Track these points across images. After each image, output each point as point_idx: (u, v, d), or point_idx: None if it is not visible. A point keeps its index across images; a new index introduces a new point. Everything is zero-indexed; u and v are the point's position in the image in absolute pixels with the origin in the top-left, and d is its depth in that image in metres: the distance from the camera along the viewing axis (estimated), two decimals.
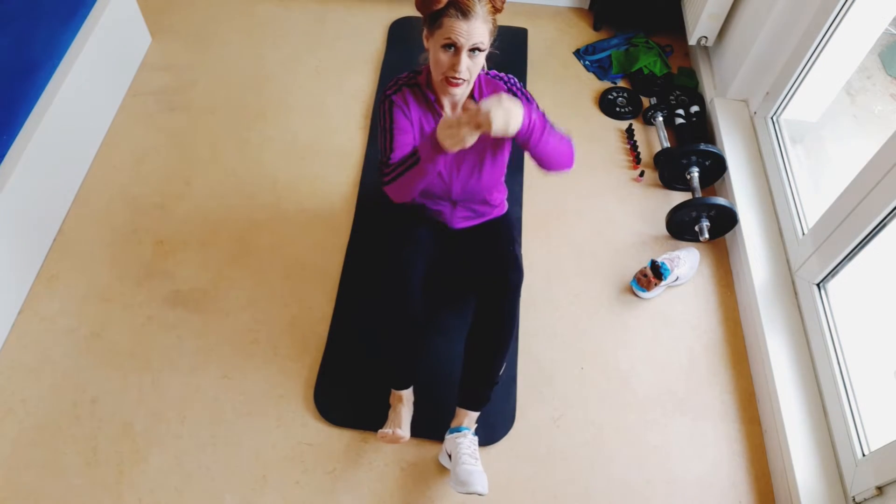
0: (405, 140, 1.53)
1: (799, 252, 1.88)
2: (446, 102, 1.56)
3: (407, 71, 1.59)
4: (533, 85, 2.51)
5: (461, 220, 1.76)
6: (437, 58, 1.41)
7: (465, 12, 1.35)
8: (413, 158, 1.45)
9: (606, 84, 2.55)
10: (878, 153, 1.59)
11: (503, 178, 1.76)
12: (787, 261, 1.94)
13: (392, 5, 2.73)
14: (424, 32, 1.44)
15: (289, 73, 2.51)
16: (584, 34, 2.72)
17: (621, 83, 2.55)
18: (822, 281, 1.79)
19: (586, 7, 2.79)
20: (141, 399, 1.76)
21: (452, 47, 1.38)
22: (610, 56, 2.61)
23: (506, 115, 1.31)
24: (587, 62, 2.61)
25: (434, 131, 1.38)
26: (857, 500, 1.53)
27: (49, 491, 1.62)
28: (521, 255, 1.73)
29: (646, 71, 2.53)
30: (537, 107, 1.52)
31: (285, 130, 2.34)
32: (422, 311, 1.65)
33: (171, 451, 1.69)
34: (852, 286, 1.78)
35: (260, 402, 1.77)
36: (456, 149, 1.35)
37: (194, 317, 1.91)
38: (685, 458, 1.73)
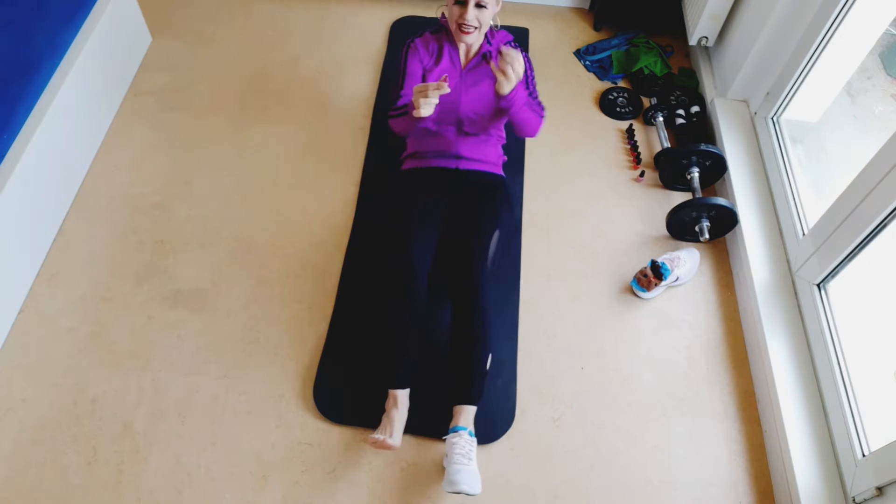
0: (414, 83, 1.84)
1: (799, 252, 1.88)
2: (461, 47, 1.84)
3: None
4: None
5: (467, 154, 1.92)
6: (450, 10, 1.74)
7: None
8: (406, 108, 1.78)
9: (607, 84, 2.55)
10: (878, 153, 1.59)
11: (503, 126, 1.99)
12: (787, 261, 1.94)
13: (392, 5, 2.73)
14: None
15: (289, 73, 2.51)
16: (585, 34, 2.72)
17: (622, 83, 2.55)
18: (822, 281, 1.79)
19: (587, 7, 2.79)
20: (141, 399, 1.76)
21: (461, 1, 1.70)
22: (610, 56, 2.61)
23: (513, 71, 1.66)
24: (587, 62, 2.61)
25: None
26: (857, 500, 1.53)
27: (49, 491, 1.62)
28: (493, 246, 1.80)
29: (646, 71, 2.53)
30: (532, 77, 1.85)
31: (285, 130, 2.34)
32: (425, 304, 1.70)
33: (171, 451, 1.69)
34: (852, 286, 1.78)
35: (260, 402, 1.77)
36: (420, 114, 1.63)
37: (194, 317, 1.91)
38: (685, 458, 1.73)
